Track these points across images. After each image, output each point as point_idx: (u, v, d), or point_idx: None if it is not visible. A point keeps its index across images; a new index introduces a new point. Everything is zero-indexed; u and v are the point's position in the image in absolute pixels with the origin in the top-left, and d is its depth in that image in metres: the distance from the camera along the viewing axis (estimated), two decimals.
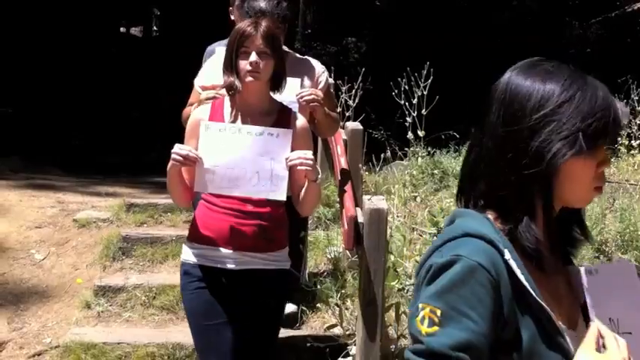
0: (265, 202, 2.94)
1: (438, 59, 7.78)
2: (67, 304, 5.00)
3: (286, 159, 2.83)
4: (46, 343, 4.56)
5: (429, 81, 6.75)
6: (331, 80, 6.45)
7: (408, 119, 6.89)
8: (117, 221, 6.05)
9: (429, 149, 7.14)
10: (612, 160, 8.29)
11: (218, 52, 3.81)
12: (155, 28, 20.59)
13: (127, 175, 8.98)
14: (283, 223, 3.09)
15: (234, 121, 2.98)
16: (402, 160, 7.23)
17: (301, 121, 3.07)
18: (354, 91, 6.93)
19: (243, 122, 2.96)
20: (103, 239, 5.62)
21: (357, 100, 6.88)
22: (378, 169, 7.06)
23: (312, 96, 3.35)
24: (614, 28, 13.78)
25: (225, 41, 4.74)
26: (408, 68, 6.87)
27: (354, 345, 3.98)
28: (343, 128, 5.24)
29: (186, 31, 15.92)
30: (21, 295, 5.09)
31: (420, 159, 6.95)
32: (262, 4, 3.33)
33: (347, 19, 14.69)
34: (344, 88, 6.91)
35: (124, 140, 11.78)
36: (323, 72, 3.85)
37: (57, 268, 5.43)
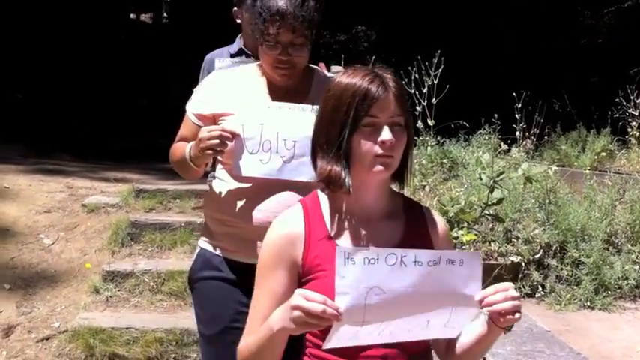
0: None
1: (449, 48, 7.74)
2: (76, 289, 5.01)
3: (480, 301, 1.69)
4: (54, 328, 4.57)
5: (440, 70, 6.72)
6: (340, 68, 6.45)
7: (418, 108, 6.87)
8: (126, 207, 6.06)
9: (439, 138, 7.12)
10: (622, 151, 8.25)
11: (218, 66, 3.18)
12: (165, 14, 20.56)
13: (136, 162, 8.99)
14: None
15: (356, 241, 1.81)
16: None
17: (440, 220, 1.97)
18: None
19: (363, 236, 1.82)
20: (112, 225, 5.63)
21: None
22: None
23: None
24: (627, 18, 13.68)
25: (227, 49, 4.09)
26: (419, 57, 6.84)
27: None
28: None
29: (196, 17, 15.90)
30: (30, 280, 5.11)
31: (429, 148, 6.94)
32: (281, 3, 2.42)
33: (357, 7, 14.64)
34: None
35: (134, 127, 11.80)
36: None
37: (66, 253, 5.44)
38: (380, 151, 1.74)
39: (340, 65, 6.64)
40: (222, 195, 2.50)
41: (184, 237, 5.35)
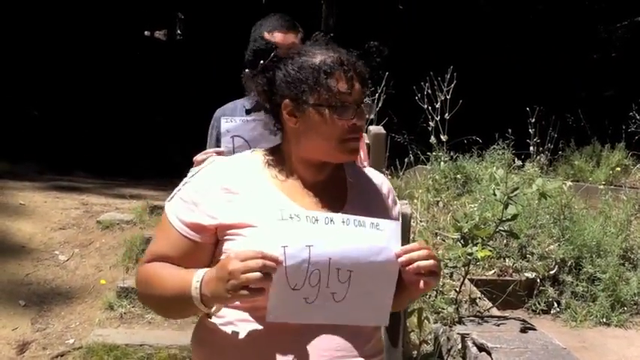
0: None
1: (462, 63, 7.75)
2: (90, 306, 5.03)
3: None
4: (69, 344, 4.58)
5: (452, 85, 6.72)
6: None
7: (431, 123, 6.86)
8: (140, 223, 6.08)
9: (452, 154, 7.10)
10: (637, 166, 8.20)
11: (225, 127, 2.49)
12: (179, 31, 20.72)
13: (151, 178, 9.02)
14: None
15: None
16: (425, 164, 7.20)
17: None
18: (376, 95, 6.91)
19: None
20: (126, 241, 5.65)
21: (379, 104, 6.86)
22: (401, 174, 7.04)
23: (432, 261, 1.67)
24: None
25: (241, 102, 2.97)
26: (431, 72, 6.85)
27: None
28: (366, 132, 5.23)
29: (210, 34, 16.01)
30: (45, 296, 5.13)
31: (442, 163, 6.92)
32: (335, 54, 1.85)
33: (369, 22, 14.69)
34: (367, 92, 6.90)
35: (149, 143, 11.85)
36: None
37: (80, 270, 5.47)
38: None
39: None
40: (231, 348, 1.75)
41: None
